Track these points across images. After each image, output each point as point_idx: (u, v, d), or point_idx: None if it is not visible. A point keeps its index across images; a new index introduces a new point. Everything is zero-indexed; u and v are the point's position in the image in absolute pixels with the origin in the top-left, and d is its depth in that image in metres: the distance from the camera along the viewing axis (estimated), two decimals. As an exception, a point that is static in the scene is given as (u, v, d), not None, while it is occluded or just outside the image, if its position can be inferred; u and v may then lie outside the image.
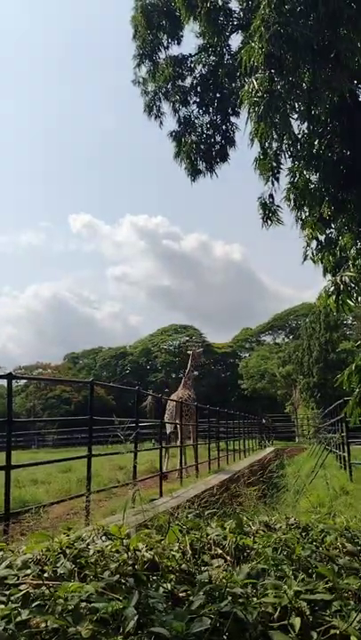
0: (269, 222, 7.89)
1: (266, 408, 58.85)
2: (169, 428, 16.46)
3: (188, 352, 20.21)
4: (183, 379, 18.75)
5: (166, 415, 16.67)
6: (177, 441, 16.12)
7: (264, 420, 41.93)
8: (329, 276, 8.59)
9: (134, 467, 9.52)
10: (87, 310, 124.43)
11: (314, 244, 8.82)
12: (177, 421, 16.18)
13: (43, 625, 1.63)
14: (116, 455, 12.02)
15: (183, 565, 2.17)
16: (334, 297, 7.07)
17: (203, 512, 2.82)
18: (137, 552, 2.20)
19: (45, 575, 1.98)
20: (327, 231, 8.77)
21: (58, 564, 2.09)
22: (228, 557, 2.22)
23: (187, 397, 17.60)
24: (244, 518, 2.76)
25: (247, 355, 75.16)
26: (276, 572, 2.10)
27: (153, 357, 74.74)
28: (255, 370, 63.19)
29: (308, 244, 8.92)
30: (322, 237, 8.81)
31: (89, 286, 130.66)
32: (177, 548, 2.34)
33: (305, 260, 8.89)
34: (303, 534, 2.51)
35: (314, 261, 8.90)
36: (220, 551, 2.30)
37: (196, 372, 18.99)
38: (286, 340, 72.06)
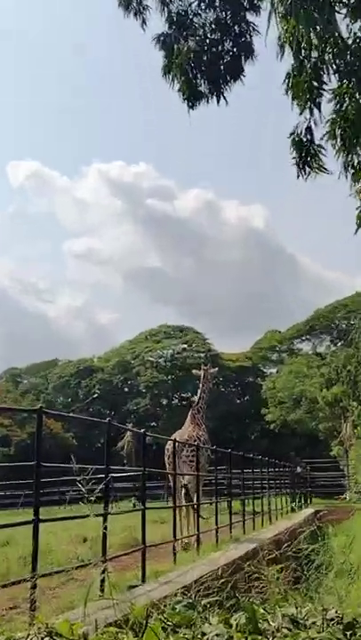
0: (307, 170, 7.90)
1: (302, 450, 59.17)
2: (181, 480, 17.38)
3: (197, 372, 20.90)
4: (191, 411, 19.58)
5: (167, 461, 17.48)
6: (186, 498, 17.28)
7: (299, 469, 42.15)
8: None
9: (104, 537, 9.54)
10: (35, 305, 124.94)
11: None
12: (187, 471, 17.18)
13: None
14: (77, 520, 11.98)
15: None
16: None
17: (199, 601, 2.83)
18: (97, 660, 2.19)
19: None
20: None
21: None
22: (234, 667, 2.22)
23: (196, 438, 18.35)
24: (260, 610, 2.77)
25: (274, 370, 75.54)
26: None
27: (134, 375, 75.05)
28: (286, 393, 63.53)
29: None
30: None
31: (37, 269, 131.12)
32: (158, 654, 2.34)
33: (359, 227, 8.91)
34: (348, 634, 2.52)
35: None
36: (221, 658, 2.30)
37: (205, 402, 20.08)
38: (333, 348, 72.39)
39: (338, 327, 73.78)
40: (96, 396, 75.67)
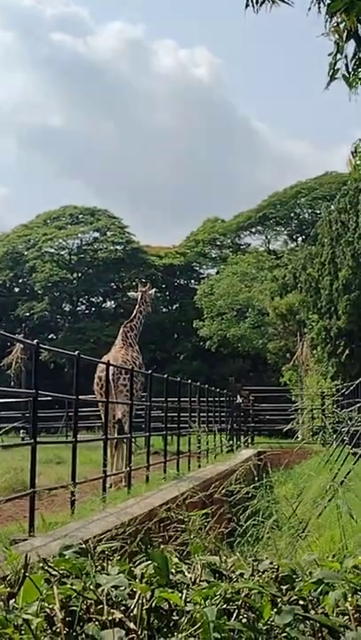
0: (260, 1, 7.75)
1: (244, 375, 60.36)
2: (110, 409, 19.15)
3: (133, 295, 24.12)
4: (122, 329, 22.15)
5: (95, 387, 19.66)
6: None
7: (240, 399, 43.10)
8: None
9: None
10: None
11: (350, 48, 8.77)
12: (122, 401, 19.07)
13: None
14: None
15: (46, 641, 2.22)
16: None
17: (93, 549, 2.90)
18: None
19: None
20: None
21: None
22: (135, 627, 2.29)
23: (130, 361, 20.67)
24: (174, 559, 2.85)
25: (213, 271, 76.08)
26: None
27: (27, 271, 74.38)
28: (228, 301, 64.22)
29: (339, 49, 8.87)
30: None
31: None
32: (37, 609, 2.39)
33: (332, 79, 8.85)
34: (283, 587, 2.62)
35: (349, 83, 8.88)
36: (119, 615, 2.37)
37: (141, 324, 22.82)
38: (290, 244, 73.28)
39: (299, 217, 74.35)
40: (-24, 297, 75.03)
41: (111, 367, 18.25)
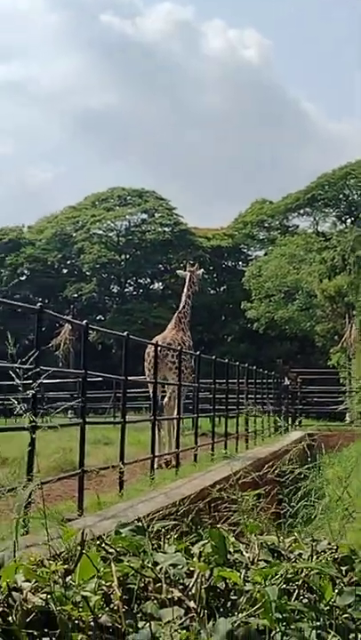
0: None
1: (292, 357, 60.21)
2: (158, 392, 19.59)
3: (182, 274, 24.89)
4: (176, 315, 23.34)
5: (146, 370, 20.24)
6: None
7: (287, 381, 43.00)
8: None
9: (30, 458, 9.68)
10: None
11: None
12: (171, 380, 19.90)
13: None
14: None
15: (104, 618, 2.21)
16: None
17: (150, 526, 2.88)
18: (14, 593, 2.22)
19: None
20: None
21: None
22: (194, 605, 2.28)
23: (179, 342, 21.52)
24: (231, 539, 2.83)
25: (261, 253, 75.85)
26: (285, 632, 2.15)
27: (75, 252, 74.76)
28: (276, 283, 64.02)
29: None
30: None
31: None
32: (94, 587, 2.38)
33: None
34: (343, 568, 2.59)
35: None
36: (178, 594, 2.35)
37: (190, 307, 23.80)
38: (339, 226, 72.68)
39: (348, 199, 73.69)
40: (25, 277, 75.50)
41: (159, 346, 18.97)
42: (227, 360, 27.04)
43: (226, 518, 7.18)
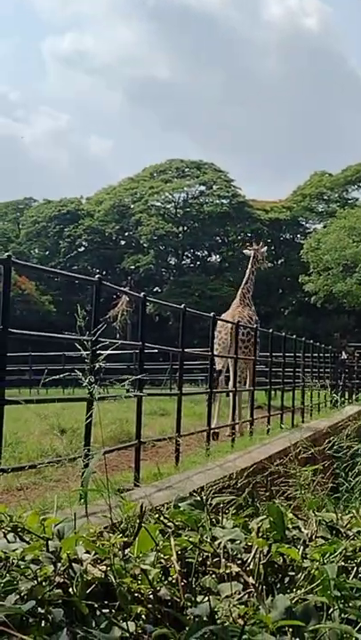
0: None
1: (350, 331, 59.85)
2: (219, 365, 20.85)
3: (247, 252, 25.93)
4: (240, 291, 24.36)
5: (216, 345, 20.34)
6: (229, 384, 20.89)
7: (345, 355, 42.80)
8: None
9: (87, 429, 9.79)
10: (3, 124, 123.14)
11: None
12: (233, 354, 20.08)
13: None
14: (56, 408, 12.19)
15: (163, 591, 2.23)
16: None
17: (209, 501, 2.89)
18: (74, 564, 2.24)
19: None
20: None
21: None
22: (253, 581, 2.28)
23: (247, 319, 22.77)
24: (289, 515, 2.83)
25: (320, 226, 75.28)
26: (344, 610, 2.15)
27: (133, 224, 75.04)
28: (335, 256, 63.45)
29: None
30: None
31: (6, 75, 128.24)
32: (153, 560, 2.40)
33: None
34: None
35: None
36: (236, 569, 2.36)
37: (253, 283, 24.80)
38: None
39: None
40: (83, 249, 75.99)
41: (231, 324, 20.57)
42: (283, 334, 26.98)
43: (282, 492, 7.20)
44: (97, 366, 5.49)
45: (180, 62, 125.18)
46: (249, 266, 24.80)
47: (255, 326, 22.63)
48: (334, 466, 10.78)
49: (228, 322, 20.93)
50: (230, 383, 20.58)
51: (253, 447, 16.15)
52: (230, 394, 19.88)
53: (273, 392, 24.79)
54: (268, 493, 8.70)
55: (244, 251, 27.42)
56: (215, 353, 19.77)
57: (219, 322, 20.21)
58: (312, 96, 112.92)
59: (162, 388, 35.70)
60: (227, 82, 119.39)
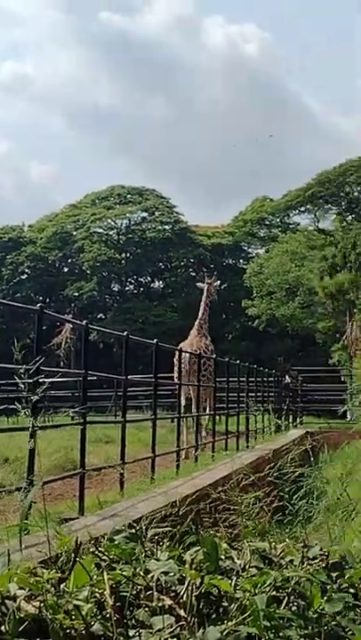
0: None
1: (293, 355, 60.15)
2: (184, 393, 22.14)
3: (201, 286, 27.80)
4: (197, 322, 26.28)
5: (178, 374, 21.88)
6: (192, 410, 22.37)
7: (288, 379, 42.99)
8: None
9: (31, 457, 9.74)
10: None
11: None
12: (194, 382, 21.70)
13: None
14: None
15: (96, 626, 2.23)
16: None
17: (144, 533, 2.90)
18: (7, 601, 2.23)
19: None
20: None
21: None
22: (184, 613, 2.29)
23: (204, 349, 24.76)
24: (223, 545, 2.84)
25: (262, 251, 75.78)
26: (274, 640, 2.17)
27: (76, 251, 74.77)
28: (277, 280, 63.97)
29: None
30: None
31: None
32: (87, 595, 2.40)
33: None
34: (333, 575, 2.60)
35: None
36: (169, 602, 2.37)
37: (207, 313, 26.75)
38: (341, 223, 72.66)
39: (349, 196, 73.61)
40: (25, 276, 75.48)
41: (186, 354, 22.09)
42: (227, 359, 27.13)
43: (225, 519, 7.22)
44: (36, 396, 5.50)
45: (122, 88, 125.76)
46: (203, 298, 26.62)
47: (213, 355, 24.49)
48: (277, 489, 10.83)
49: (188, 352, 22.51)
50: (193, 409, 22.21)
51: (198, 473, 16.15)
52: (190, 419, 21.88)
53: (218, 417, 24.86)
54: (212, 520, 8.71)
55: (198, 284, 29.23)
56: (178, 381, 21.40)
57: (176, 352, 21.83)
58: (255, 122, 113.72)
59: (107, 415, 35.47)
60: (170, 107, 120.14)
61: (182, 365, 21.92)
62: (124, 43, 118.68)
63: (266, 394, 35.15)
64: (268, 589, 2.43)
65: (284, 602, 2.44)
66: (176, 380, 21.80)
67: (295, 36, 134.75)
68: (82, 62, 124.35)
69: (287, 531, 8.72)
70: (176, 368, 22.35)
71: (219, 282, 30.31)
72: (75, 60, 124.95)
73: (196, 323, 26.31)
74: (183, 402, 21.99)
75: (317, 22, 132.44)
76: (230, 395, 25.84)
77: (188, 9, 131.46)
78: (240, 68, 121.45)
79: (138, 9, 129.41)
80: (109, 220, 75.81)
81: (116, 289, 77.81)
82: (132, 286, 79.20)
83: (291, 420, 39.14)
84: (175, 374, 22.51)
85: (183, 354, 21.96)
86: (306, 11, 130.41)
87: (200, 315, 26.43)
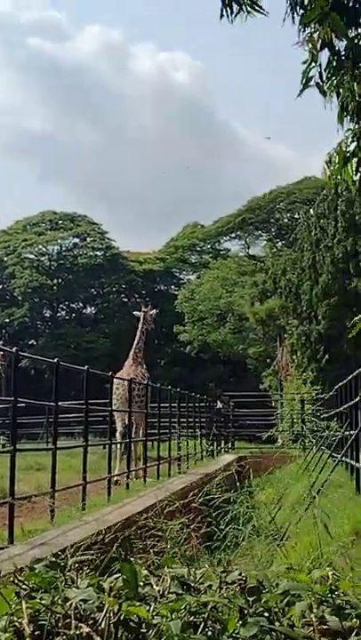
0: (234, 8, 7.78)
1: (225, 381, 60.30)
2: (118, 420, 23.35)
3: (138, 314, 27.90)
4: (133, 351, 26.72)
5: (115, 401, 22.05)
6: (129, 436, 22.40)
7: (220, 405, 43.11)
8: (349, 124, 8.70)
9: None
10: None
11: (324, 56, 8.83)
12: (134, 409, 22.23)
13: None
14: None
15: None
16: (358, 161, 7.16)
17: (65, 561, 2.92)
18: None
19: None
20: (351, 34, 8.80)
21: None
22: (102, 640, 2.31)
23: (140, 377, 25.34)
24: (143, 572, 2.88)
25: (193, 277, 76.08)
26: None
27: (7, 277, 74.24)
28: (209, 306, 64.28)
29: (313, 58, 8.93)
30: (341, 44, 8.84)
31: None
32: (5, 624, 2.40)
33: (305, 87, 8.91)
34: (250, 599, 2.65)
35: (322, 91, 8.94)
36: (87, 629, 2.38)
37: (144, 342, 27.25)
38: (271, 250, 73.42)
39: (278, 222, 74.47)
40: None
41: (127, 382, 22.16)
42: (159, 384, 27.19)
43: (153, 545, 7.24)
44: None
45: (52, 114, 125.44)
46: (139, 326, 26.96)
47: (147, 382, 24.81)
48: (205, 514, 10.88)
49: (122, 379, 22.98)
50: (126, 435, 22.44)
51: (129, 500, 16.14)
52: (125, 445, 22.06)
53: (150, 443, 24.87)
54: (141, 546, 8.72)
55: (135, 312, 29.04)
56: (115, 408, 21.80)
57: (115, 380, 21.69)
58: (186, 148, 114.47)
59: (38, 442, 35.23)
60: (100, 134, 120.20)
61: (117, 393, 22.29)
62: (54, 69, 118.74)
63: (198, 419, 35.21)
64: (183, 615, 2.47)
65: (201, 626, 2.47)
66: (114, 407, 21.87)
67: (225, 64, 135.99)
68: (11, 87, 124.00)
69: (216, 556, 8.78)
70: (113, 395, 22.19)
71: (155, 310, 29.68)
72: (4, 85, 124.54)
73: (132, 351, 26.65)
74: (120, 428, 23.20)
75: (246, 50, 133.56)
76: (162, 420, 25.84)
77: (118, 36, 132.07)
78: (170, 95, 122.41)
79: (68, 36, 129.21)
80: (41, 246, 75.50)
81: (47, 315, 77.40)
82: (63, 312, 78.86)
83: (223, 445, 39.25)
84: (114, 401, 22.47)
85: (118, 382, 22.36)
86: (235, 40, 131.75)
87: (135, 343, 26.72)
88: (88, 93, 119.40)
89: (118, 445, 22.80)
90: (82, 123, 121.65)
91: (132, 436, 22.64)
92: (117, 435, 23.13)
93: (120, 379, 22.73)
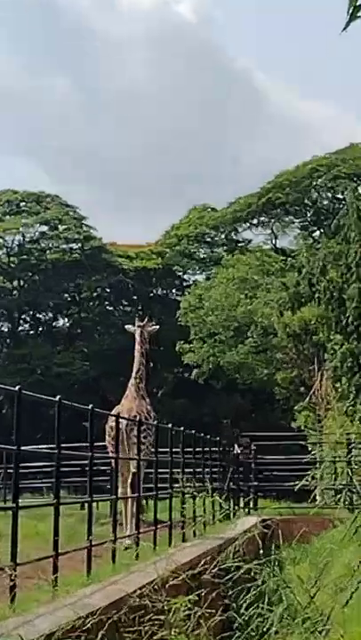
0: None
1: (244, 417, 60.14)
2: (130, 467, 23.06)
3: (130, 329, 26.99)
4: (133, 381, 26.13)
5: (110, 446, 22.92)
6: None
7: (238, 449, 43.08)
8: None
9: None
10: None
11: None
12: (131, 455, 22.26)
13: None
14: None
15: None
16: None
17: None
18: None
19: None
20: None
21: None
22: None
23: (145, 415, 25.24)
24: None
25: (201, 277, 75.93)
26: None
27: None
28: (222, 317, 64.15)
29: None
30: None
31: None
32: None
33: (353, 17, 8.97)
34: None
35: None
36: None
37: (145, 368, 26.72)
38: (306, 241, 73.42)
39: (316, 204, 74.31)
40: None
41: (124, 420, 22.04)
42: (155, 422, 27.11)
43: (152, 634, 7.28)
44: None
45: (21, 64, 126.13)
46: (137, 347, 26.15)
47: (154, 422, 24.76)
48: (220, 594, 10.90)
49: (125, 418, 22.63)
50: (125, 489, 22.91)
51: (117, 577, 16.09)
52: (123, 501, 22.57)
53: (145, 501, 24.83)
54: (135, 636, 8.73)
55: (127, 327, 28.11)
56: (110, 453, 22.14)
57: (110, 417, 22.22)
58: (190, 107, 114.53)
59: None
60: (81, 89, 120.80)
61: (112, 434, 22.43)
62: (26, 6, 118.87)
63: (209, 469, 35.12)
64: None
65: None
66: (111, 454, 22.15)
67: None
68: None
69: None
70: (109, 437, 22.84)
71: (155, 325, 28.56)
72: None
73: (131, 381, 26.02)
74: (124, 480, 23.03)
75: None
76: (160, 471, 25.67)
77: None
78: (170, 36, 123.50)
79: None
80: (-2, 236, 75.31)
81: (5, 329, 77.30)
82: (27, 325, 78.83)
83: (242, 504, 39.19)
84: (109, 446, 23.04)
85: (120, 420, 21.78)
86: None
87: (135, 370, 26.08)
88: (65, 37, 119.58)
89: (124, 503, 23.11)
90: (56, 76, 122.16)
91: (138, 488, 22.73)
92: (120, 490, 22.73)
93: (118, 417, 21.79)
